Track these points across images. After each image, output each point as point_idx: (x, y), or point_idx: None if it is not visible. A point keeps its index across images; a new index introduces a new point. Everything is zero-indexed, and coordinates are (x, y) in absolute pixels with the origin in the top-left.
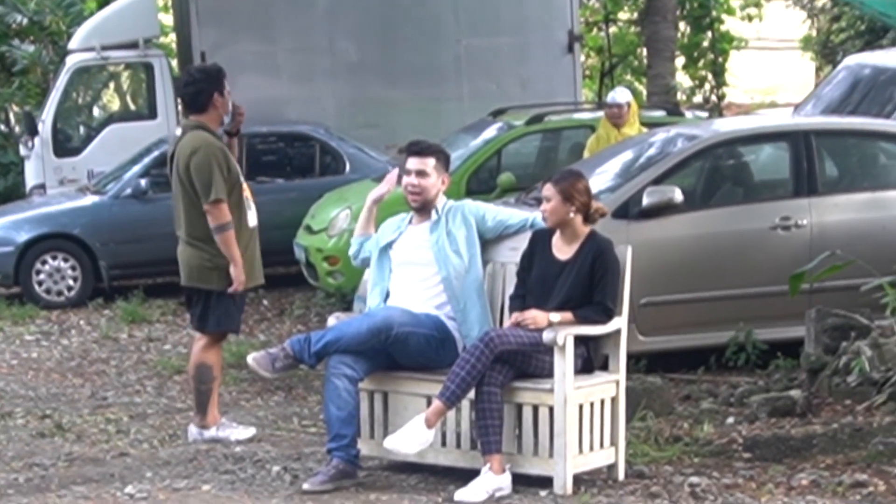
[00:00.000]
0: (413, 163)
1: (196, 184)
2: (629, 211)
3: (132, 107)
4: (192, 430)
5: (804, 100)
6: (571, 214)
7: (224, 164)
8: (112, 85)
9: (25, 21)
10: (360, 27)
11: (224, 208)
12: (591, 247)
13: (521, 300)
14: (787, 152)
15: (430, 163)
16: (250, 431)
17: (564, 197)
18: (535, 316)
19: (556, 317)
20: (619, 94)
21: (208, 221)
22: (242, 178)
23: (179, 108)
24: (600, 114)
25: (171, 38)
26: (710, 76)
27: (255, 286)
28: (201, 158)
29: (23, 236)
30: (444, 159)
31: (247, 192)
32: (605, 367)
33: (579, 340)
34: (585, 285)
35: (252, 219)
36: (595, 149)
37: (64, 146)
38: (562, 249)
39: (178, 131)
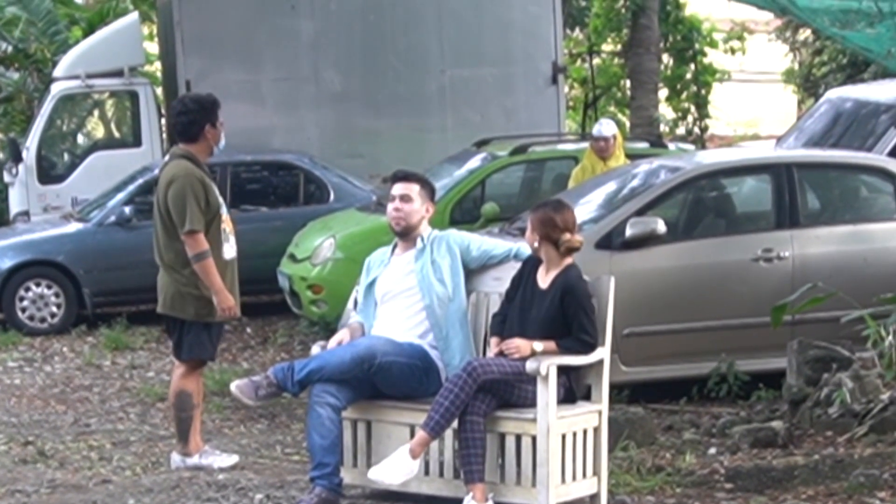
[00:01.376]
0: (398, 188)
1: (172, 213)
2: (612, 242)
3: (117, 134)
4: (175, 457)
5: (786, 132)
6: (536, 244)
7: (202, 194)
8: (97, 113)
9: (10, 49)
10: (344, 57)
11: (199, 238)
12: (562, 281)
13: (502, 320)
14: (770, 184)
15: (414, 188)
16: (233, 459)
17: (532, 227)
18: (518, 345)
19: (539, 346)
20: (606, 127)
21: (186, 250)
22: (224, 210)
23: (164, 135)
24: (584, 145)
25: (157, 67)
26: (693, 108)
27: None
28: (178, 188)
29: (6, 263)
30: (428, 188)
31: (226, 224)
32: (587, 397)
33: (562, 370)
34: (557, 317)
35: (229, 251)
36: (580, 179)
37: (48, 173)
38: (543, 278)
39: (167, 157)
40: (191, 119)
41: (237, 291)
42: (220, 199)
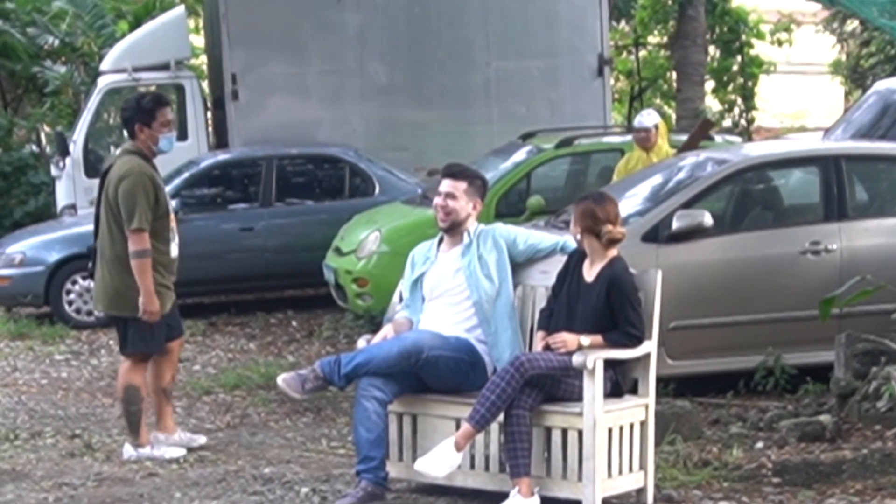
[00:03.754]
0: (444, 185)
1: (122, 208)
2: (659, 235)
3: None
4: (128, 448)
5: (834, 124)
6: (578, 236)
7: (152, 193)
8: None
9: (57, 42)
10: (389, 50)
11: (144, 236)
12: (608, 274)
13: (549, 315)
14: (817, 177)
15: (461, 186)
16: (181, 451)
17: (575, 219)
18: (564, 339)
19: (585, 340)
20: (646, 118)
21: (162, 240)
22: (171, 208)
23: (210, 129)
24: (630, 137)
25: (203, 60)
26: (739, 100)
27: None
28: (130, 185)
29: (53, 256)
30: (478, 185)
31: (173, 223)
32: (634, 390)
33: (608, 364)
34: (604, 310)
35: (174, 250)
36: (624, 171)
37: (95, 167)
38: (589, 271)
39: (118, 152)
40: (125, 117)
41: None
42: (168, 198)
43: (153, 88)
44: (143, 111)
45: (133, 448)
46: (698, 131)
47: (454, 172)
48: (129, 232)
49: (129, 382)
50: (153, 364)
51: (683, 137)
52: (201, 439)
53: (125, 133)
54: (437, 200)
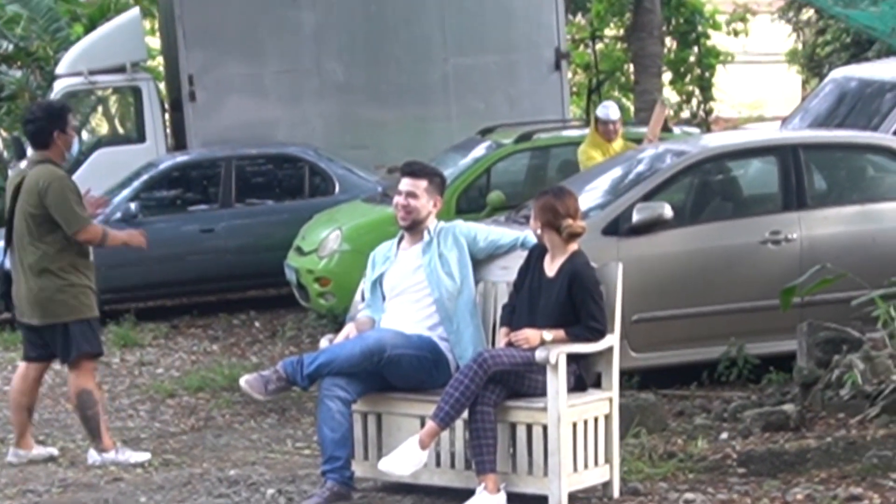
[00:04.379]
0: (405, 184)
1: (56, 216)
2: (619, 227)
3: (121, 131)
4: (93, 454)
5: (791, 113)
6: (538, 231)
7: (76, 192)
8: (100, 109)
9: (12, 47)
10: (347, 48)
11: (92, 228)
12: (569, 268)
13: (511, 310)
14: (776, 166)
15: (421, 185)
16: (146, 455)
17: (534, 214)
18: (527, 336)
19: (548, 335)
20: (613, 111)
21: (85, 245)
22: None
23: (168, 131)
24: (588, 131)
25: (159, 62)
26: (697, 91)
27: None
28: (57, 192)
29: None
30: (437, 182)
31: None
32: (597, 384)
33: (571, 358)
34: (566, 305)
35: (91, 254)
36: (594, 156)
37: None
38: (549, 266)
39: (23, 164)
40: (39, 126)
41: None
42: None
43: (110, 91)
44: (59, 117)
45: (97, 453)
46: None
47: (413, 171)
48: (78, 235)
49: (81, 388)
50: (26, 379)
51: (643, 129)
52: (54, 451)
53: (30, 143)
54: (398, 199)
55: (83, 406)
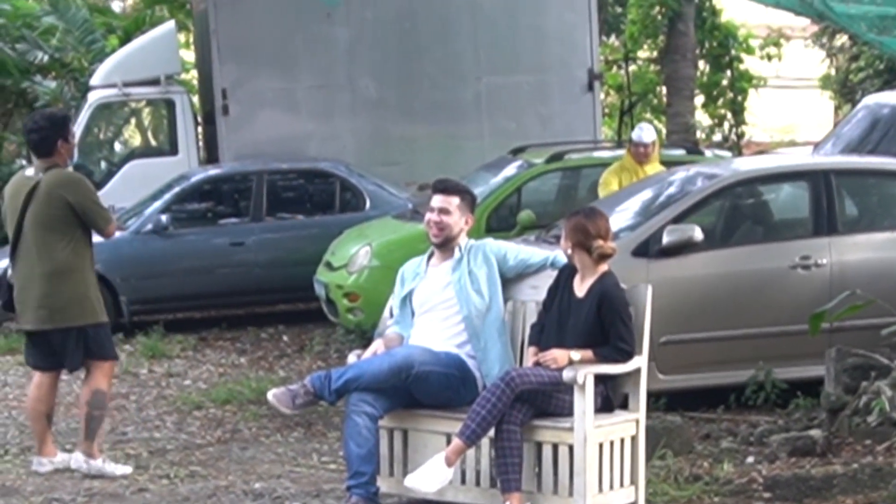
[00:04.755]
0: (437, 200)
1: (88, 215)
2: (649, 249)
3: (153, 143)
4: (79, 457)
5: (823, 139)
6: (569, 251)
7: (95, 192)
8: (133, 121)
9: (47, 58)
10: (380, 64)
11: (114, 227)
12: (599, 289)
13: (540, 330)
14: (807, 191)
15: (453, 201)
16: (129, 468)
17: (565, 234)
18: (555, 356)
19: (576, 355)
20: (647, 133)
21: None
22: None
23: (200, 144)
24: (621, 152)
25: (193, 75)
26: (729, 115)
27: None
28: (85, 191)
29: None
30: (469, 200)
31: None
32: (624, 405)
33: (599, 379)
34: (594, 325)
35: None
36: (613, 183)
37: None
38: (579, 286)
39: (30, 171)
40: (42, 136)
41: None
42: None
43: (143, 103)
44: (62, 126)
45: (84, 458)
46: None
47: (446, 188)
48: (107, 231)
49: (97, 387)
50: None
51: (674, 152)
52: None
53: (33, 152)
54: (431, 216)
55: (93, 405)
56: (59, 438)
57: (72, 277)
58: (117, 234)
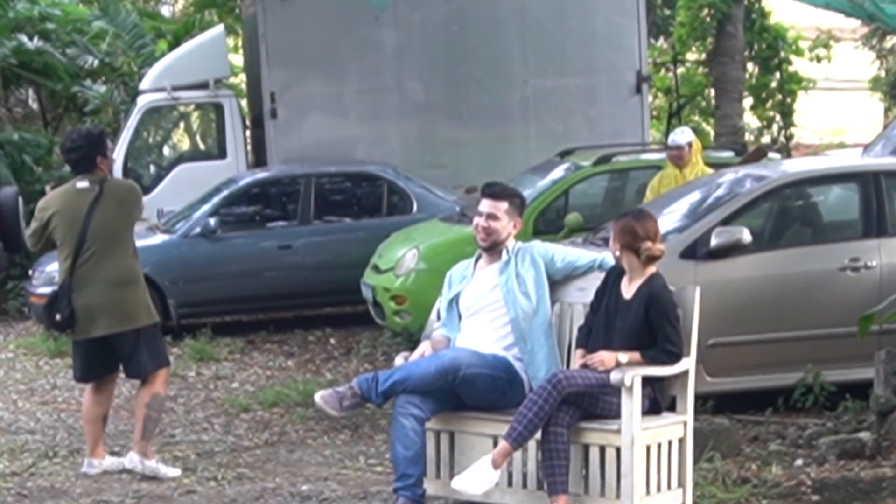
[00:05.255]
0: (485, 205)
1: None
2: (697, 251)
3: (202, 146)
4: (134, 457)
5: (873, 140)
6: (617, 253)
7: None
8: (182, 125)
9: (97, 62)
10: (427, 68)
11: None
12: (647, 291)
13: (587, 332)
14: (857, 193)
15: (502, 206)
16: (178, 471)
17: (614, 236)
18: (602, 359)
19: (623, 357)
20: (680, 136)
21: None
22: None
23: (249, 147)
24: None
25: (241, 79)
26: (778, 117)
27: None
28: (138, 205)
29: None
30: (518, 203)
31: None
32: (672, 407)
33: (646, 381)
34: (642, 327)
35: None
36: (658, 189)
37: None
38: (627, 288)
39: (83, 184)
40: (81, 154)
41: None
42: None
43: (192, 107)
44: (99, 143)
45: (139, 458)
46: (751, 157)
47: (494, 192)
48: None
49: (156, 392)
50: (100, 391)
51: (722, 154)
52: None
53: (74, 170)
54: (479, 221)
55: (153, 407)
56: (107, 441)
57: (139, 281)
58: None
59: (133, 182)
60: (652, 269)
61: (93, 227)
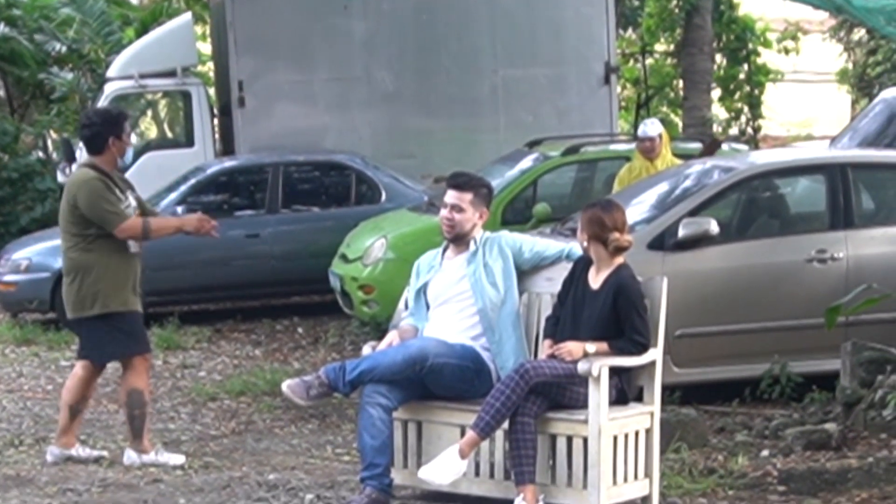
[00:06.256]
0: (450, 196)
1: (94, 220)
2: (665, 242)
3: (169, 134)
4: (130, 454)
5: (840, 133)
6: (585, 243)
7: (107, 191)
8: (150, 113)
9: (64, 49)
10: (396, 57)
11: (129, 225)
12: (615, 281)
13: (555, 322)
14: (824, 185)
15: (466, 197)
16: (182, 458)
17: (581, 226)
18: (570, 349)
19: (591, 347)
20: (651, 127)
21: (129, 243)
22: (130, 211)
23: (217, 136)
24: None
25: (209, 67)
26: (746, 108)
27: (132, 310)
28: (86, 195)
29: (59, 262)
30: (484, 194)
31: None
32: (639, 398)
33: (614, 371)
34: (610, 318)
35: (133, 246)
36: (627, 180)
37: None
38: (594, 278)
39: (75, 168)
40: (94, 132)
41: (138, 287)
42: (126, 200)
43: (160, 95)
44: (115, 124)
45: (136, 454)
46: (706, 150)
47: (459, 184)
48: (117, 234)
49: (133, 387)
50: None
51: (690, 145)
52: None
53: (85, 148)
54: (444, 213)
55: (132, 405)
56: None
57: (87, 272)
58: None
59: (83, 171)
60: (619, 260)
61: (60, 214)
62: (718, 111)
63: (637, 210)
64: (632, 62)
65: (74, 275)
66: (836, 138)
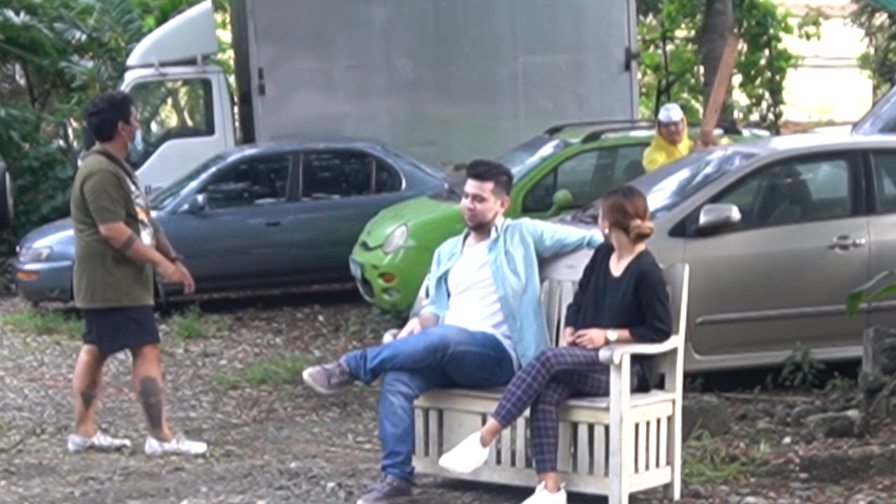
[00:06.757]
0: (471, 186)
1: (91, 207)
2: (686, 229)
3: (190, 123)
4: (153, 442)
5: (862, 118)
6: (606, 230)
7: (116, 187)
8: (170, 101)
9: (84, 37)
10: (416, 44)
11: (119, 227)
12: (636, 268)
13: (576, 310)
14: (845, 171)
15: (487, 187)
16: (204, 446)
17: (603, 213)
18: (591, 337)
19: (612, 335)
20: (675, 112)
21: (143, 233)
22: (140, 201)
23: (237, 124)
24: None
25: (230, 55)
26: (767, 94)
27: (142, 305)
28: (93, 183)
29: None
30: (504, 182)
31: (142, 215)
32: (661, 385)
33: (635, 359)
34: (631, 305)
35: (146, 238)
36: (658, 160)
37: None
38: (616, 266)
39: (84, 154)
40: (103, 118)
41: (151, 281)
42: (137, 191)
43: (180, 83)
44: (122, 108)
45: (157, 442)
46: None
47: (479, 173)
48: (104, 231)
49: (145, 375)
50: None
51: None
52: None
53: (94, 135)
54: (465, 202)
55: (146, 393)
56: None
57: (93, 262)
58: (154, 213)
59: (95, 158)
60: (641, 247)
61: (72, 201)
62: (739, 97)
63: (658, 197)
64: (652, 48)
65: (86, 263)
66: (858, 124)
